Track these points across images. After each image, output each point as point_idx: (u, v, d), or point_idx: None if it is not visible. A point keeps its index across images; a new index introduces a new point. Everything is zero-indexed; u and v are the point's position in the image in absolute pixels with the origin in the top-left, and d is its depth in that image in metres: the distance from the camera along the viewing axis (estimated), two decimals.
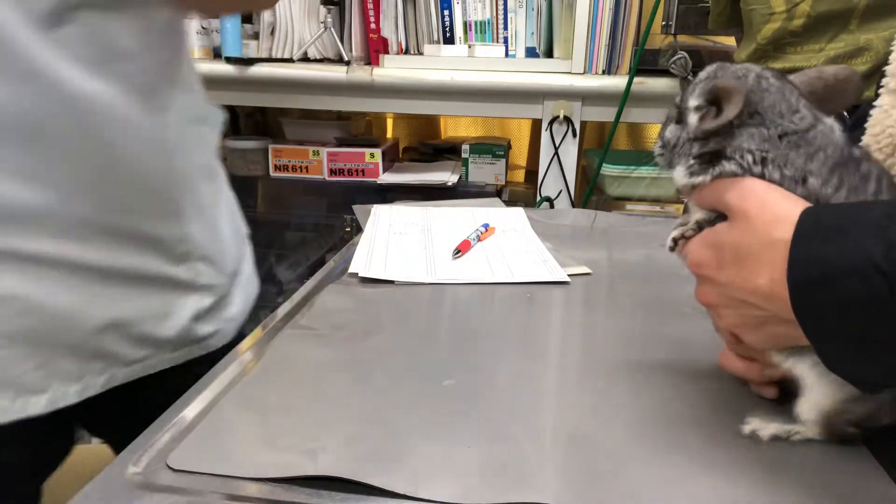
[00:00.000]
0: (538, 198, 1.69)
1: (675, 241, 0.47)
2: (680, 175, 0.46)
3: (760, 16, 0.94)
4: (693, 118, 0.46)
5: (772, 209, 0.40)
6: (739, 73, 0.45)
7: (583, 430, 0.46)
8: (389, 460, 0.42)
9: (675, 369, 0.56)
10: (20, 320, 0.52)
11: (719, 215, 0.44)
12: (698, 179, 0.45)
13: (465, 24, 1.71)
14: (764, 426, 0.45)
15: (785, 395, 0.48)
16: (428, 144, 2.07)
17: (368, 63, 1.70)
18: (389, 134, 2.26)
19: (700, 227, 0.46)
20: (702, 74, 0.47)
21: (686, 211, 0.50)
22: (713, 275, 0.43)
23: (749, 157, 0.43)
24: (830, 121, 0.44)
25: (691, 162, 0.45)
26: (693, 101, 0.46)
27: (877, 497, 0.40)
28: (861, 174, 0.42)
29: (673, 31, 1.61)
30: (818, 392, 0.43)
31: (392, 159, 1.92)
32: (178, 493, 0.39)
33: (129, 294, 0.58)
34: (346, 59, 1.68)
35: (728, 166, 0.43)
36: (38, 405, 0.54)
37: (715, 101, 0.44)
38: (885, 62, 0.85)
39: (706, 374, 0.54)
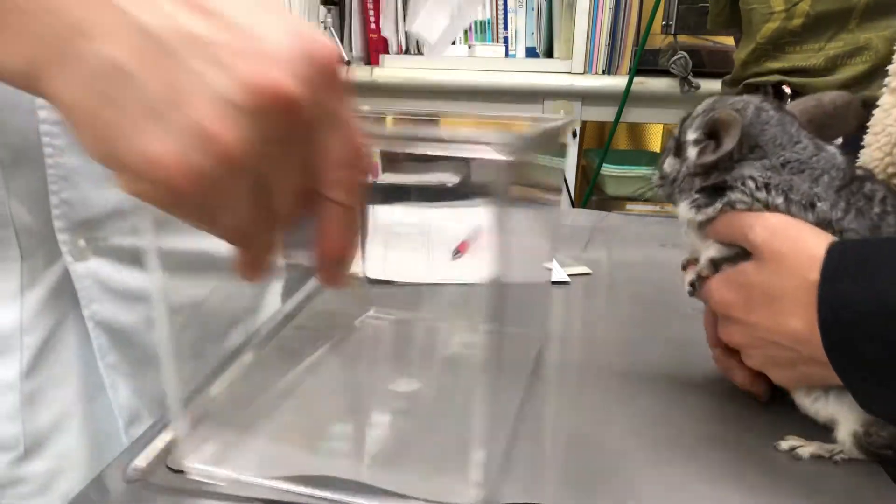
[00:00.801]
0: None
1: (693, 284, 0.46)
2: (685, 210, 0.46)
3: (760, 15, 0.94)
4: (692, 151, 0.45)
5: (805, 250, 0.39)
6: (738, 106, 0.45)
7: (582, 430, 0.46)
8: (390, 460, 0.42)
9: (675, 369, 0.56)
10: None
11: (739, 252, 0.43)
12: (707, 213, 0.44)
13: None
14: (803, 444, 0.44)
15: (778, 397, 0.48)
16: None
17: (368, 63, 1.70)
18: None
19: (715, 265, 0.45)
20: (699, 107, 0.47)
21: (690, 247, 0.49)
22: (742, 316, 0.42)
23: (751, 184, 0.42)
24: (832, 148, 0.44)
25: (695, 196, 0.45)
26: (691, 135, 0.45)
27: (877, 497, 0.40)
28: (865, 194, 0.42)
29: (673, 31, 1.61)
30: (848, 420, 0.43)
31: (392, 159, 1.92)
32: (178, 493, 0.39)
33: None
34: (346, 58, 1.68)
35: (734, 195, 0.43)
36: None
37: (713, 133, 0.44)
38: (886, 61, 0.86)
39: (706, 374, 0.54)
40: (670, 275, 0.56)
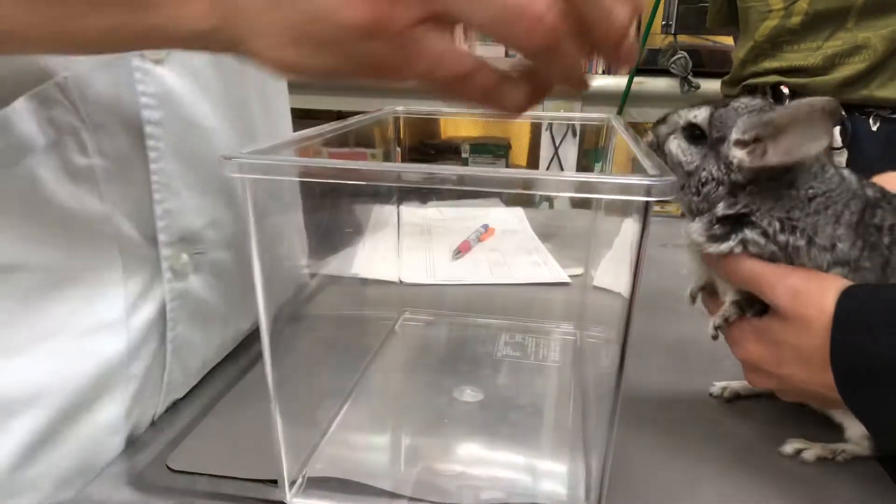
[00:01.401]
0: (538, 198, 1.69)
1: (718, 328, 0.44)
2: (698, 233, 0.42)
3: (758, 13, 0.94)
4: (739, 152, 0.41)
5: (829, 310, 0.38)
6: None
7: (580, 430, 0.46)
8: (390, 461, 0.42)
9: (675, 369, 0.56)
10: None
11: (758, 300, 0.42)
12: (719, 249, 0.41)
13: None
14: (807, 446, 0.44)
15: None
16: (428, 144, 2.07)
17: None
18: (390, 134, 2.26)
19: (741, 307, 0.43)
20: (745, 104, 0.43)
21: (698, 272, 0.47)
22: (773, 370, 0.42)
23: (777, 225, 0.40)
24: (847, 172, 0.42)
25: (714, 225, 0.42)
26: (736, 133, 0.41)
27: (879, 499, 0.40)
28: (876, 225, 0.41)
29: (673, 31, 1.61)
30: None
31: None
32: (177, 494, 0.39)
33: None
34: None
35: (750, 234, 0.41)
36: None
37: (760, 137, 0.40)
38: (883, 60, 0.85)
39: (705, 375, 0.54)
40: (670, 275, 0.56)
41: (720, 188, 0.41)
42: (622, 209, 0.38)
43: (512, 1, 0.26)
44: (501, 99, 0.31)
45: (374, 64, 0.28)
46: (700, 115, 0.43)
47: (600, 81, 1.61)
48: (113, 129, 0.40)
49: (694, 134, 0.43)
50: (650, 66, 1.62)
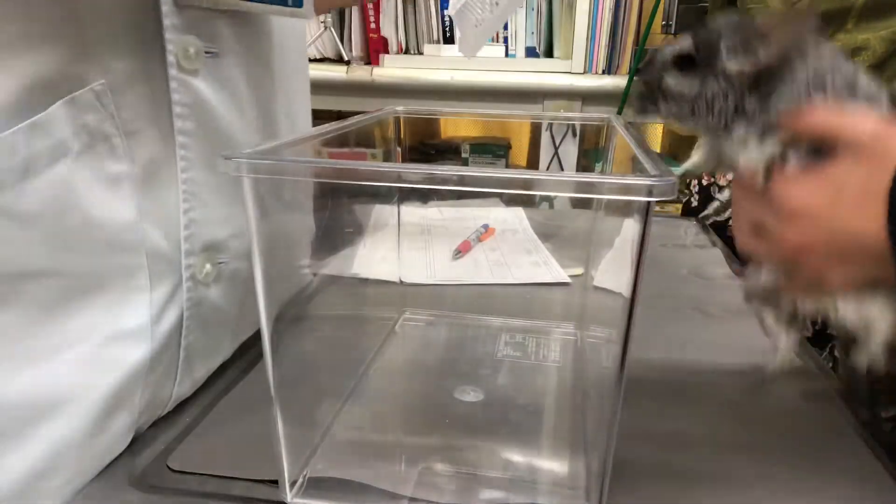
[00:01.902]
0: (538, 198, 1.69)
1: (768, 171, 0.43)
2: (754, 152, 0.42)
3: (757, 14, 0.95)
4: (734, 62, 0.42)
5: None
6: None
7: (580, 430, 0.46)
8: (390, 460, 0.42)
9: (675, 369, 0.56)
10: None
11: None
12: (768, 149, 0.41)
13: None
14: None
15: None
16: (428, 144, 2.07)
17: (368, 63, 1.70)
18: (390, 134, 2.26)
19: (784, 157, 0.42)
20: (724, 23, 0.44)
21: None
22: (823, 215, 0.39)
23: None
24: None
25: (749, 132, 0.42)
26: (727, 48, 0.42)
27: (878, 498, 0.40)
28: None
29: (673, 31, 1.61)
30: (881, 330, 0.41)
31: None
32: (178, 494, 0.39)
33: None
34: (346, 58, 1.68)
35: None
36: None
37: (750, 44, 0.41)
38: (882, 61, 0.85)
39: (705, 374, 0.54)
40: (669, 275, 0.56)
41: (729, 100, 0.42)
42: (622, 209, 0.38)
43: None
44: None
45: None
46: (684, 45, 0.44)
47: (600, 81, 1.61)
48: (146, 137, 0.41)
49: (683, 65, 0.44)
50: None
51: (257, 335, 0.60)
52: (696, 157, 0.47)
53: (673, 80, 0.44)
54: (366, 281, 0.74)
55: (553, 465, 0.44)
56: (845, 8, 0.87)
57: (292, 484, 0.39)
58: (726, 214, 1.06)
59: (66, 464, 0.38)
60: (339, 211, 0.51)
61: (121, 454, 0.43)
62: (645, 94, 0.45)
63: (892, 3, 0.83)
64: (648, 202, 0.30)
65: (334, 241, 0.51)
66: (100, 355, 0.39)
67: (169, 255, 0.43)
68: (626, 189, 0.30)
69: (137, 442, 0.44)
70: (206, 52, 0.43)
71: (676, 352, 0.59)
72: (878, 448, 0.45)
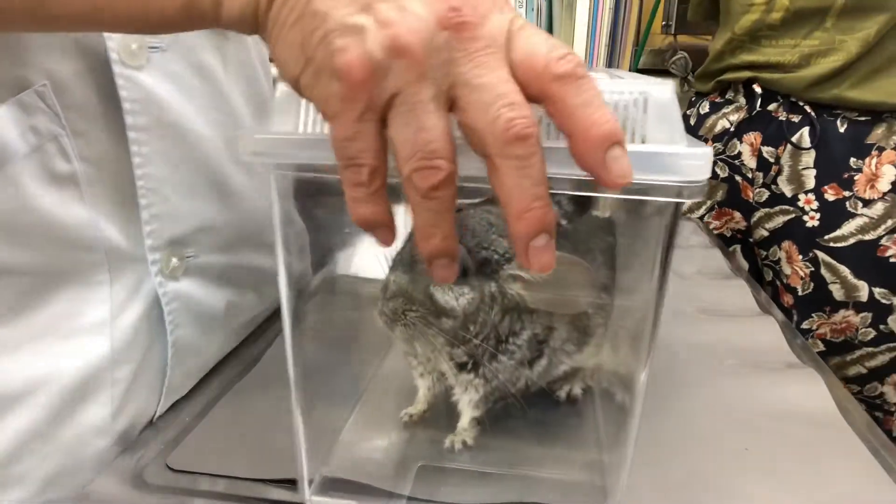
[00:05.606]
0: None
1: None
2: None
3: (740, 6, 0.95)
4: (517, 286, 0.40)
5: None
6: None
7: (591, 428, 0.46)
8: (390, 461, 0.42)
9: (675, 369, 0.56)
10: None
11: None
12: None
13: None
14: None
15: None
16: None
17: None
18: None
19: None
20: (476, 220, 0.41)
21: None
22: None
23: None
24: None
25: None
26: (512, 270, 0.39)
27: (877, 496, 0.40)
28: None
29: (673, 31, 1.61)
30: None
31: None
32: (178, 493, 0.39)
33: None
34: None
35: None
36: None
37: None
38: (856, 61, 0.86)
39: (704, 375, 0.54)
40: (670, 275, 0.56)
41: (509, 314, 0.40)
42: (634, 209, 0.38)
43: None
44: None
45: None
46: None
47: None
48: (96, 135, 0.41)
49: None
50: (650, 66, 1.62)
51: (254, 334, 0.60)
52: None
53: (442, 292, 0.40)
54: (371, 281, 0.74)
55: (566, 463, 0.43)
56: (826, 6, 0.87)
57: (310, 482, 0.40)
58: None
59: (31, 453, 0.39)
60: (341, 211, 0.51)
61: (120, 454, 0.43)
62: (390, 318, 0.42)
63: (871, 5, 0.84)
64: (677, 203, 0.30)
65: (345, 239, 0.51)
66: (61, 349, 0.41)
67: (130, 250, 0.44)
68: (652, 190, 0.29)
69: (137, 442, 0.44)
70: (150, 48, 0.43)
71: (675, 352, 0.59)
72: (878, 447, 0.45)
